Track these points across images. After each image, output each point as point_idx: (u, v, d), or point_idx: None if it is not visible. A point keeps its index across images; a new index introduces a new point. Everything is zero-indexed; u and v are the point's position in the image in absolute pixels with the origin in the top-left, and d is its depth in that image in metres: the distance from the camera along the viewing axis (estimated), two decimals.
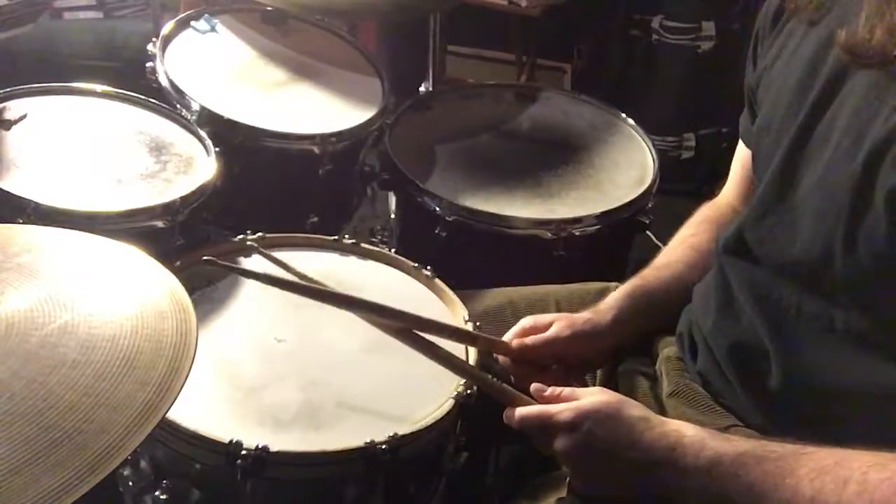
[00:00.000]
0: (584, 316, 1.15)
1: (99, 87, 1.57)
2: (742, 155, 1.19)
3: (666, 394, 1.07)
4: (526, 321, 1.15)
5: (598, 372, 1.21)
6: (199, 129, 1.53)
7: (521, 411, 0.99)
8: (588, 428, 0.92)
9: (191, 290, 0.90)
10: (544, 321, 1.14)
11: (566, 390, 0.99)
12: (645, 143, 1.74)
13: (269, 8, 1.84)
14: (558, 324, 1.13)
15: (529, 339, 1.12)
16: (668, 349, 1.12)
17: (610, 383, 1.16)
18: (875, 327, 0.87)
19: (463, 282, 1.29)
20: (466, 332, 1.15)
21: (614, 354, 1.17)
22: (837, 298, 0.89)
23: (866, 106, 0.86)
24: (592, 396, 0.95)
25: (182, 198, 1.36)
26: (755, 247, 0.98)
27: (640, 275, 1.20)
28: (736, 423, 1.00)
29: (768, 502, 0.82)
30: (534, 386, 1.02)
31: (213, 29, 1.80)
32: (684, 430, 0.90)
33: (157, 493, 1.03)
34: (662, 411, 1.05)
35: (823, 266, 0.88)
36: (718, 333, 1.03)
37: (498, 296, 1.33)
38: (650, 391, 1.10)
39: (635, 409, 0.94)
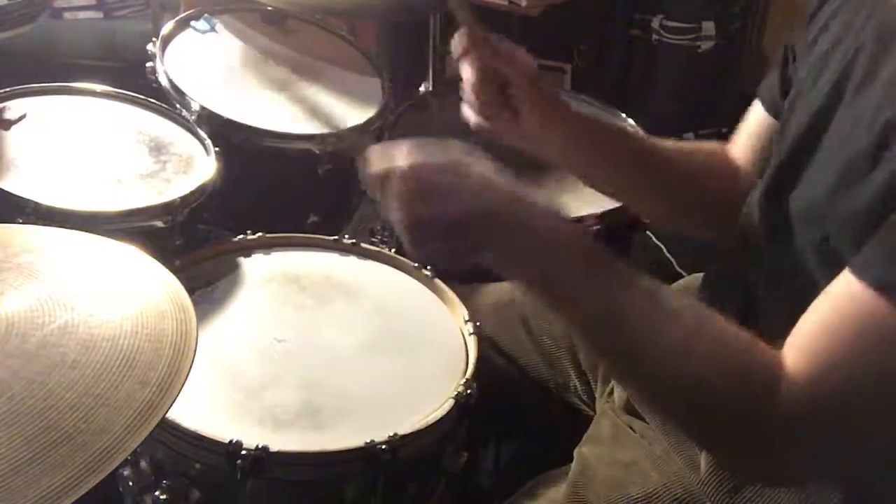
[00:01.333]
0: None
1: (99, 87, 1.57)
2: (759, 117, 1.14)
3: None
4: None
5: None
6: (198, 129, 1.54)
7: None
8: (426, 170, 0.84)
9: (191, 290, 0.90)
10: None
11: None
12: None
13: (269, 8, 1.84)
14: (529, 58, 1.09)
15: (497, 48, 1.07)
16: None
17: None
18: None
19: (463, 282, 1.29)
20: None
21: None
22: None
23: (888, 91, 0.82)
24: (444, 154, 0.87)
25: (182, 198, 1.36)
26: (783, 201, 0.93)
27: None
28: None
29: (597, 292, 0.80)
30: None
31: (212, 29, 1.80)
32: (528, 196, 0.85)
33: (157, 493, 1.03)
34: None
35: (841, 221, 0.83)
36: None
37: (503, 291, 1.32)
38: None
39: (481, 163, 0.87)
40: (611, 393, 1.12)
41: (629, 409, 1.07)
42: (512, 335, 1.29)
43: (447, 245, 0.84)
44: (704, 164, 1.17)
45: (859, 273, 0.75)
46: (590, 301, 0.81)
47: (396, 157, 0.85)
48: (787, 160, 0.95)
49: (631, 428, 1.06)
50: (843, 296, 0.76)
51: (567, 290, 0.82)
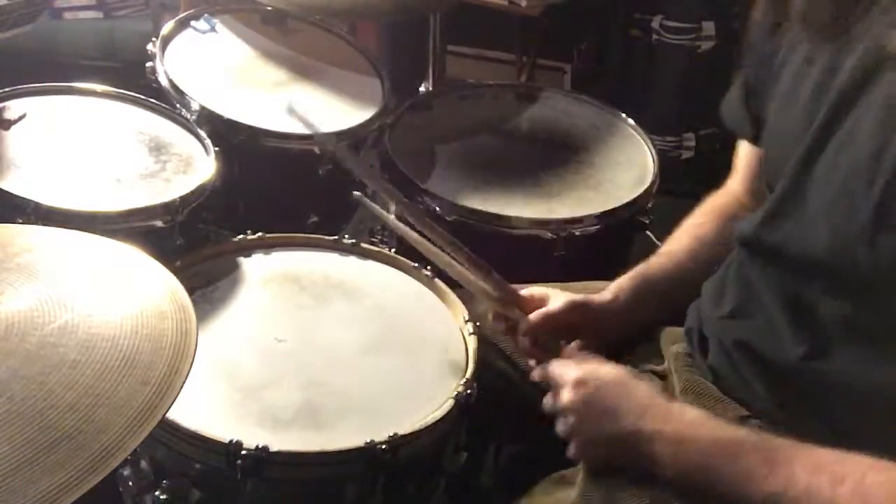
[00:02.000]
0: (583, 295, 1.16)
1: (99, 87, 1.58)
2: (746, 148, 1.18)
3: (678, 391, 1.07)
4: (532, 289, 1.16)
5: None
6: (198, 129, 1.54)
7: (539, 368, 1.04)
8: (595, 386, 0.96)
9: (191, 290, 0.90)
10: (544, 293, 1.16)
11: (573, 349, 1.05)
12: (645, 143, 1.74)
13: (269, 8, 1.84)
14: (555, 300, 1.14)
15: (532, 315, 1.13)
16: (675, 346, 1.12)
17: None
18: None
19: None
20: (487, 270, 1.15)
21: (619, 346, 1.17)
22: (860, 300, 0.88)
23: (891, 116, 0.85)
24: (606, 364, 0.99)
25: (181, 197, 1.36)
26: (772, 248, 0.97)
27: (646, 263, 1.20)
28: (747, 414, 1.00)
29: (759, 487, 0.83)
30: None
31: (213, 29, 1.80)
32: (686, 410, 0.92)
33: (157, 493, 1.03)
34: None
35: (845, 270, 0.88)
36: (731, 328, 1.02)
37: None
38: (663, 390, 1.10)
39: (644, 383, 0.97)
40: (664, 379, 1.12)
41: (689, 390, 1.06)
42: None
43: (608, 455, 0.95)
44: (719, 237, 1.17)
45: None
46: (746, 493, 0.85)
47: (572, 369, 0.99)
48: (777, 204, 0.97)
49: None
50: None
51: (720, 488, 0.87)
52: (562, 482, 1.09)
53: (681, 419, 0.91)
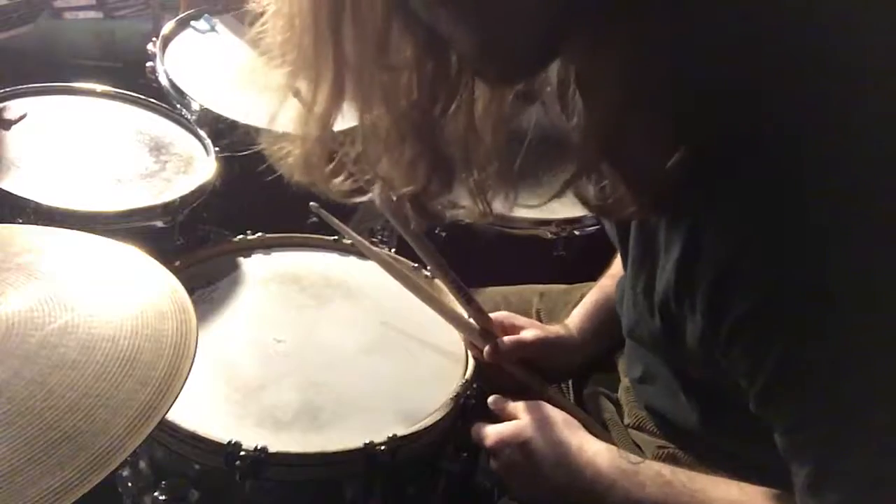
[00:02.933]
0: (554, 330, 1.20)
1: (99, 87, 1.58)
2: None
3: (626, 425, 1.09)
4: (501, 315, 1.19)
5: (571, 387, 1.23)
6: (198, 129, 1.54)
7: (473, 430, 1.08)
8: (508, 454, 1.02)
9: (191, 290, 0.90)
10: (517, 323, 1.19)
11: (510, 405, 1.07)
12: None
13: None
14: (528, 332, 1.18)
15: (505, 339, 1.16)
16: (626, 379, 1.12)
17: (579, 402, 1.19)
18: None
19: (463, 282, 1.29)
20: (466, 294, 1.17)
21: (581, 371, 1.21)
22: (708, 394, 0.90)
23: (643, 248, 0.86)
24: (513, 422, 1.03)
25: (181, 198, 1.36)
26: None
27: (599, 285, 1.23)
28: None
29: None
30: (490, 398, 1.10)
31: (213, 29, 1.80)
32: (598, 465, 0.96)
33: (156, 493, 1.03)
34: (628, 438, 1.07)
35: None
36: (641, 392, 1.05)
37: (494, 294, 1.33)
38: (616, 415, 1.12)
39: (553, 433, 1.00)
40: (617, 406, 1.12)
41: (637, 426, 1.07)
42: None
43: (556, 497, 1.00)
44: None
45: None
46: None
47: (488, 436, 1.05)
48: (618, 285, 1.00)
49: (636, 444, 1.06)
50: None
51: None
52: None
53: (595, 481, 0.95)
